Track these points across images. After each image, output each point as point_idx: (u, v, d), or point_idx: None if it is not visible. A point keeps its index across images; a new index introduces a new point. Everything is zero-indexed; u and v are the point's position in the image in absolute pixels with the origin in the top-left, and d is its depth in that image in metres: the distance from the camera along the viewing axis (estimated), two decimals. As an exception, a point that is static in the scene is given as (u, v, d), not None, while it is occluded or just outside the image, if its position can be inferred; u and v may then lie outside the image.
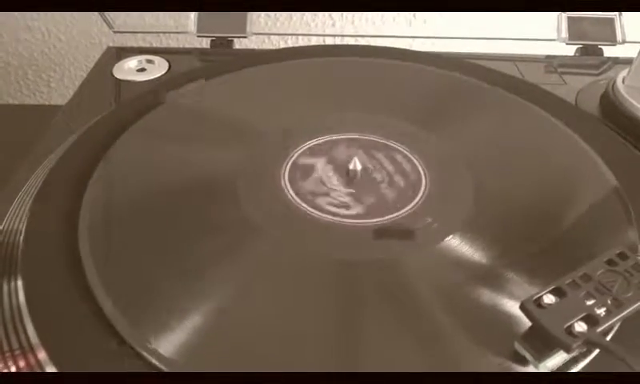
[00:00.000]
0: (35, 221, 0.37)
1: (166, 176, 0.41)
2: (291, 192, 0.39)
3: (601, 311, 0.28)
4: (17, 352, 0.31)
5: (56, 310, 0.31)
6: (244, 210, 0.38)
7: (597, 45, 0.65)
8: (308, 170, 0.41)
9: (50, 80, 0.88)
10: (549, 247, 0.36)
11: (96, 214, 0.37)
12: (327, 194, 0.39)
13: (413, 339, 0.31)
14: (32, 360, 0.30)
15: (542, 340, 0.28)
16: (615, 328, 0.30)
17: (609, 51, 0.65)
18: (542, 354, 0.28)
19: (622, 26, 0.64)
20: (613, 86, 0.53)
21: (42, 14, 0.82)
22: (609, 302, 0.29)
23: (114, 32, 0.65)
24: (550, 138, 0.46)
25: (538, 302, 0.29)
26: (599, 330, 0.28)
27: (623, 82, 0.53)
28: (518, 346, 0.29)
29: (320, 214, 0.38)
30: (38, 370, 0.30)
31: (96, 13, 0.64)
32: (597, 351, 0.29)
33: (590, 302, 0.29)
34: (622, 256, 0.31)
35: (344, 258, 0.35)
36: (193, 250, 0.35)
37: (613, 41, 0.65)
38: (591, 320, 0.28)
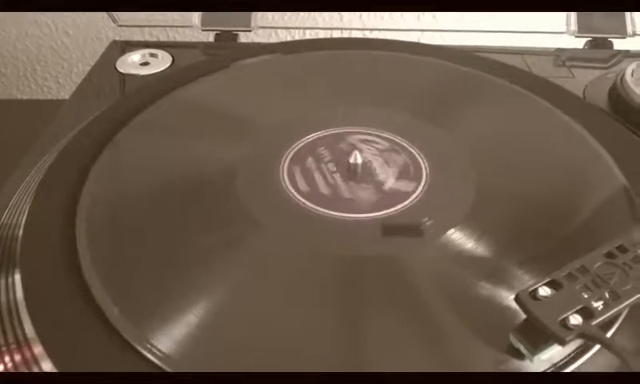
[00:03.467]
0: (35, 215, 0.37)
1: (167, 171, 0.41)
2: (290, 187, 0.39)
3: (597, 304, 0.28)
4: (13, 346, 0.31)
5: (53, 305, 0.31)
6: (243, 206, 0.37)
7: (606, 37, 0.64)
8: (308, 165, 0.41)
9: (59, 75, 0.88)
10: (553, 242, 0.36)
11: (95, 208, 0.37)
12: (327, 189, 0.39)
13: (411, 333, 0.30)
14: (28, 355, 0.30)
15: (536, 333, 0.27)
16: (618, 323, 0.30)
17: (619, 44, 0.64)
18: (537, 346, 0.27)
19: (632, 19, 0.64)
20: (621, 79, 0.53)
21: (49, 8, 0.82)
22: (606, 294, 0.28)
23: (119, 26, 0.65)
24: (556, 131, 0.45)
25: (534, 295, 0.28)
26: (595, 322, 0.27)
27: (632, 74, 0.52)
28: (512, 339, 0.28)
29: (320, 208, 0.37)
30: (34, 365, 0.30)
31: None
32: (595, 348, 0.29)
33: (586, 295, 0.28)
34: (622, 249, 0.30)
35: (344, 253, 0.35)
36: (192, 244, 0.35)
37: (623, 33, 0.64)
38: (587, 313, 0.27)
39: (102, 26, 0.83)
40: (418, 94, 0.49)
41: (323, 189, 0.39)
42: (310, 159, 0.41)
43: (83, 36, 0.85)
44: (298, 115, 0.46)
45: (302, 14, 0.82)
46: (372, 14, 0.82)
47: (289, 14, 0.81)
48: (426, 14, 0.82)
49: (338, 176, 0.40)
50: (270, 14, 0.80)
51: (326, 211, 0.37)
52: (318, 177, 0.40)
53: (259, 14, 0.64)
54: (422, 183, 0.39)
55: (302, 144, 0.43)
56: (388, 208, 0.37)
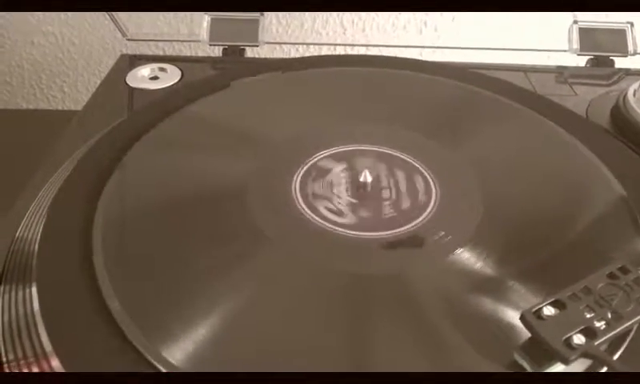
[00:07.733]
0: (50, 229, 0.37)
1: (180, 185, 0.41)
2: (302, 203, 0.39)
3: (600, 324, 0.29)
4: (30, 359, 0.31)
5: (70, 318, 0.32)
6: (255, 220, 0.38)
7: (608, 56, 0.65)
8: (319, 181, 0.41)
9: (64, 85, 0.88)
10: (557, 260, 0.36)
11: (110, 222, 0.37)
12: (337, 206, 0.39)
13: (417, 351, 0.31)
14: (45, 367, 0.30)
15: (540, 351, 0.28)
16: (625, 344, 0.30)
17: (620, 62, 0.65)
18: (541, 365, 0.28)
19: (633, 38, 0.64)
20: (624, 98, 0.53)
21: (55, 18, 0.82)
22: (608, 315, 0.29)
23: (127, 40, 0.66)
24: (559, 150, 0.46)
25: (538, 314, 0.29)
26: (597, 342, 0.28)
27: (634, 94, 0.53)
28: (517, 357, 0.29)
29: (330, 225, 0.38)
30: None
31: (109, 20, 0.64)
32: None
33: (589, 315, 0.29)
34: (624, 270, 0.31)
35: (353, 270, 0.35)
36: (206, 258, 0.36)
37: (624, 52, 0.64)
38: (590, 333, 0.28)
39: (108, 36, 0.84)
40: (426, 113, 0.50)
41: (334, 206, 0.39)
42: (321, 177, 0.42)
43: (89, 46, 0.85)
44: (309, 132, 0.46)
45: (306, 29, 0.82)
46: (375, 29, 0.83)
47: (293, 28, 0.82)
48: (429, 28, 0.83)
49: (348, 194, 0.40)
50: (275, 30, 0.81)
51: (336, 229, 0.38)
52: (328, 194, 0.40)
53: (265, 27, 0.65)
54: (432, 201, 0.40)
55: (314, 161, 0.43)
56: (398, 226, 0.38)
